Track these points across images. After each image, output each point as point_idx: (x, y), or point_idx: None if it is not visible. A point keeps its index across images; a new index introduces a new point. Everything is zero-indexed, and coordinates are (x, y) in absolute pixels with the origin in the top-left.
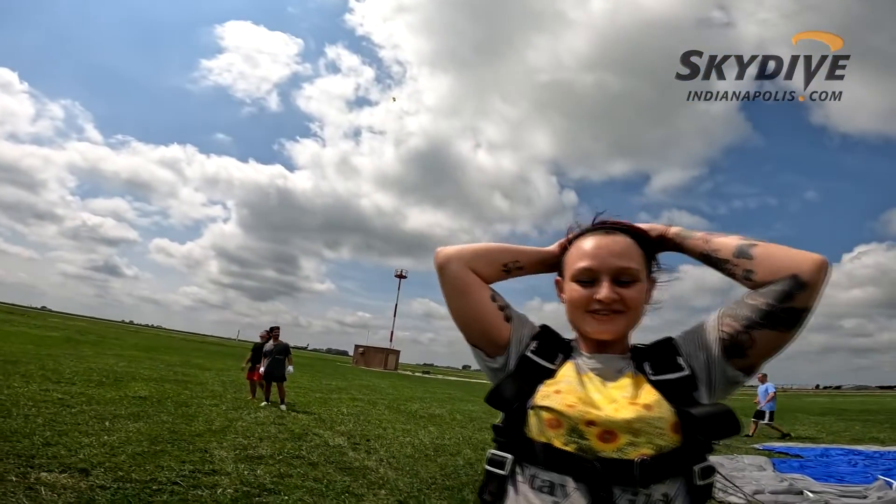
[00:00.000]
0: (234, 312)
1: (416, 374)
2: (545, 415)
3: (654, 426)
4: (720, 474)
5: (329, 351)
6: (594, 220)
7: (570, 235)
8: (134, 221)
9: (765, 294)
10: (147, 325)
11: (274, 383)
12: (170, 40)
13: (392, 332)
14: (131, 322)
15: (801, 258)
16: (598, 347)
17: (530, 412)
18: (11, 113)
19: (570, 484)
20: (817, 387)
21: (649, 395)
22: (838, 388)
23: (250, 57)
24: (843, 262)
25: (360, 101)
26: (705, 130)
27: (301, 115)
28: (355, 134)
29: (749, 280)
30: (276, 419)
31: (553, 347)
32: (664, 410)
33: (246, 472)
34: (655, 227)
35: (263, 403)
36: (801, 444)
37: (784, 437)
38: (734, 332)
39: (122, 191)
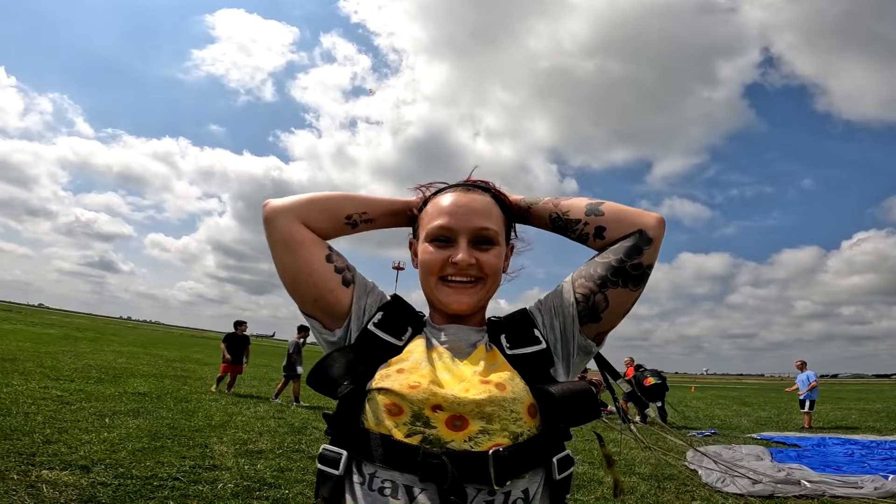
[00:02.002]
0: (233, 306)
1: None
2: (382, 399)
3: (507, 409)
4: (720, 463)
5: None
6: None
7: (428, 193)
8: (128, 216)
9: (615, 251)
10: (145, 321)
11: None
12: (160, 29)
13: None
14: (129, 318)
15: (644, 214)
16: (452, 318)
17: (367, 397)
18: None
19: (416, 485)
20: None
21: (503, 372)
22: (835, 376)
23: (244, 46)
24: (842, 249)
25: (357, 91)
26: (708, 117)
27: (296, 106)
28: (351, 124)
29: (601, 238)
30: (275, 413)
31: (401, 320)
32: (519, 390)
33: (246, 467)
34: (509, 195)
35: (276, 400)
36: (798, 434)
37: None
38: (589, 292)
39: (114, 185)
